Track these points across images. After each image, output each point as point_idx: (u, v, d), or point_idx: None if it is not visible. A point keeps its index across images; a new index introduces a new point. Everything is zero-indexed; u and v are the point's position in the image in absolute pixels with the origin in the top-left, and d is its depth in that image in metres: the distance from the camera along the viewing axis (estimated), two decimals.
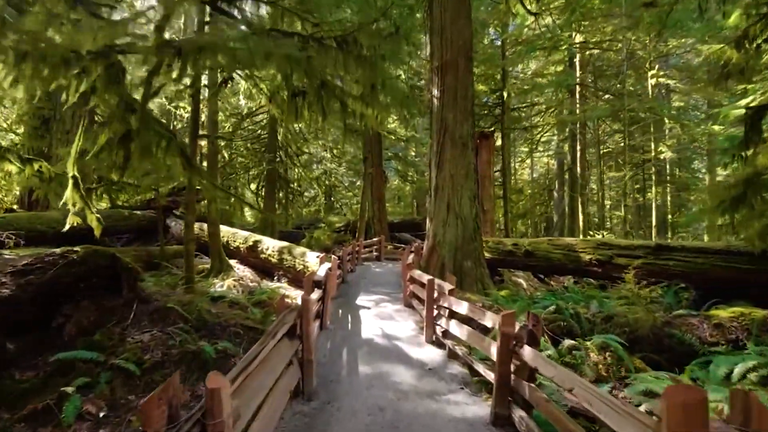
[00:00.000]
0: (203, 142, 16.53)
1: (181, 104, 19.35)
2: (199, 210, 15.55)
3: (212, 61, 2.95)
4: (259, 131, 21.72)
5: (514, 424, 3.50)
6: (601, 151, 25.69)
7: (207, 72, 8.62)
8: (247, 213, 27.89)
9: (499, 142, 21.02)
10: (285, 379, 3.72)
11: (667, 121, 21.33)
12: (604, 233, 20.79)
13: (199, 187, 8.20)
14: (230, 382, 2.28)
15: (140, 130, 2.99)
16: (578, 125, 21.56)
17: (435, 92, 10.30)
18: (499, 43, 21.24)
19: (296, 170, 22.87)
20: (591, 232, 20.58)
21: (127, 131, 2.99)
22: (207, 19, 7.53)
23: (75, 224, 5.38)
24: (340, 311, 7.81)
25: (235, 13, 4.31)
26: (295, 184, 24.85)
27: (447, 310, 5.61)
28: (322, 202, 29.71)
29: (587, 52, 22.26)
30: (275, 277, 11.91)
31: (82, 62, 2.64)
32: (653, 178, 22.00)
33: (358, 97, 4.29)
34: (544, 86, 19.70)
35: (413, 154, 30.22)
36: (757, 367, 4.25)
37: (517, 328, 3.68)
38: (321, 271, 7.08)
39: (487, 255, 10.48)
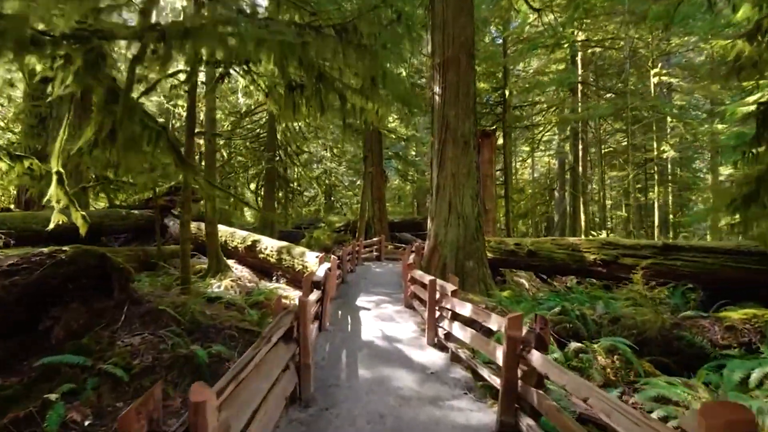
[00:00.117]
0: (201, 141, 16.37)
1: (180, 103, 19.17)
2: (198, 209, 15.39)
3: (200, 46, 2.77)
4: (258, 130, 21.54)
5: None
6: (603, 151, 25.50)
7: (204, 67, 8.43)
8: (247, 213, 27.75)
9: (500, 141, 20.85)
10: (281, 385, 3.55)
11: (669, 119, 21.15)
12: (606, 233, 20.64)
13: (196, 186, 8.02)
14: (217, 394, 2.10)
15: (123, 120, 2.80)
16: (580, 124, 21.39)
17: (436, 89, 10.12)
18: (500, 41, 21.08)
19: (296, 169, 22.68)
20: (593, 232, 20.41)
21: (114, 124, 2.82)
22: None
23: (68, 223, 5.21)
24: (340, 312, 7.64)
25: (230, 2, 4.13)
26: (295, 184, 24.67)
27: (449, 312, 5.44)
28: (322, 202, 29.53)
29: (589, 51, 22.09)
30: (274, 278, 11.74)
31: (57, 46, 2.46)
32: (656, 177, 21.81)
33: (357, 90, 4.11)
34: (545, 84, 19.51)
35: (414, 153, 30.05)
36: None
37: (524, 331, 3.51)
38: (320, 272, 6.91)
39: (488, 255, 10.31)
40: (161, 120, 22.12)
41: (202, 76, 12.50)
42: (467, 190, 9.49)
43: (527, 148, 29.58)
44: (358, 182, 27.38)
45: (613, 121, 25.40)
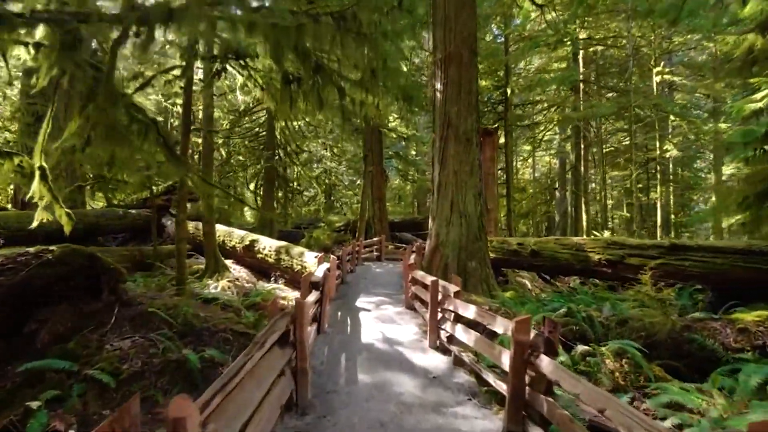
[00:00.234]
0: (200, 139, 16.18)
1: (178, 101, 18.99)
2: (197, 209, 15.22)
3: (186, 29, 2.59)
4: (258, 129, 21.36)
5: None
6: (604, 150, 25.34)
7: (201, 63, 8.26)
8: (247, 213, 27.58)
9: (502, 140, 20.67)
10: (276, 392, 3.36)
11: (671, 118, 20.97)
12: (607, 233, 20.44)
13: (192, 184, 7.84)
14: (202, 407, 1.92)
15: (104, 106, 2.62)
16: (582, 123, 21.22)
17: (438, 86, 9.93)
18: (501, 39, 20.91)
19: (295, 169, 22.50)
20: (595, 232, 20.22)
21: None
22: None
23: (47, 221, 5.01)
24: (339, 313, 7.46)
25: None
26: (295, 183, 24.47)
27: (452, 314, 5.25)
28: (322, 202, 29.35)
29: (590, 49, 21.92)
30: (272, 278, 11.56)
31: (30, 25, 2.27)
32: (658, 177, 21.64)
33: (357, 82, 3.92)
34: (547, 82, 19.32)
35: (414, 152, 29.87)
36: None
37: (532, 335, 3.33)
38: (319, 272, 6.72)
39: (490, 255, 10.12)
40: (160, 119, 21.97)
41: (200, 74, 12.33)
42: (469, 188, 9.30)
43: (528, 148, 29.42)
44: (358, 182, 27.20)
45: (614, 121, 25.24)
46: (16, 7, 2.28)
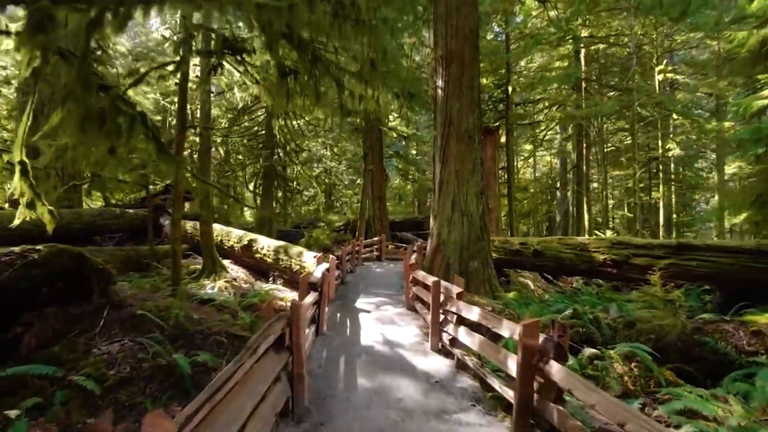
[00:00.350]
0: (197, 138, 15.99)
1: (177, 99, 18.81)
2: (196, 209, 15.04)
3: (170, 5, 2.42)
4: (257, 128, 21.18)
5: None
6: (605, 149, 25.15)
7: (197, 59, 8.08)
8: (247, 212, 27.40)
9: (503, 138, 20.48)
10: (270, 400, 3.18)
11: (674, 117, 20.78)
12: (609, 232, 20.24)
13: (191, 182, 7.66)
14: (185, 421, 1.74)
15: (77, 91, 2.44)
16: (583, 121, 21.03)
17: (439, 83, 9.75)
18: (502, 37, 20.71)
19: (295, 168, 22.30)
20: (597, 232, 20.02)
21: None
22: None
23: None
24: (339, 315, 7.28)
25: None
26: (294, 183, 24.27)
27: (455, 316, 5.07)
28: (322, 201, 29.15)
29: (592, 48, 21.72)
30: (271, 278, 11.39)
31: None
32: (660, 176, 21.45)
33: (355, 74, 3.75)
34: (549, 81, 19.13)
35: (414, 152, 29.68)
36: None
37: (540, 339, 3.15)
38: (317, 272, 6.54)
39: (493, 255, 9.94)
40: (158, 118, 21.78)
41: (197, 72, 12.15)
42: (471, 187, 9.12)
43: (529, 147, 29.23)
44: (358, 181, 27.02)
45: (616, 120, 25.04)
46: None
